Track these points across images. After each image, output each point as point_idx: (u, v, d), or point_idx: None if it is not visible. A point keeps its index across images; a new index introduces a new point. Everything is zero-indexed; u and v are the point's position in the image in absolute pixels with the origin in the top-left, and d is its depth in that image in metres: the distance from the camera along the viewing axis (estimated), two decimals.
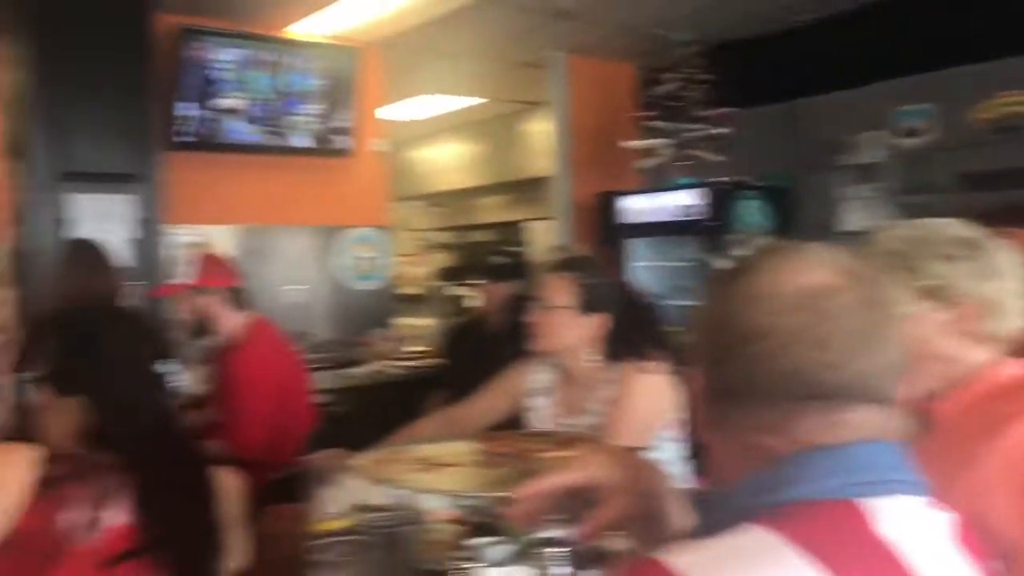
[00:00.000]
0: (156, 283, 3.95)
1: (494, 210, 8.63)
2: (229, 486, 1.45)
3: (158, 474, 1.34)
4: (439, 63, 5.92)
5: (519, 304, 3.34)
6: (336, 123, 5.09)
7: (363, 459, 1.51)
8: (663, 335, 2.07)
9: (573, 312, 1.99)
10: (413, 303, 8.17)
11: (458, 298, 7.59)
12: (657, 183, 5.23)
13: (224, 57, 4.60)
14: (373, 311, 5.34)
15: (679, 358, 2.07)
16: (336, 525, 1.56)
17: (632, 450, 1.12)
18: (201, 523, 1.37)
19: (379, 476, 1.42)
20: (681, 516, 0.95)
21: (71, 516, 1.27)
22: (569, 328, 2.00)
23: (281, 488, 2.23)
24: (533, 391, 2.13)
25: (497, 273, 3.51)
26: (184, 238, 4.64)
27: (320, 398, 3.35)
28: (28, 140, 4.00)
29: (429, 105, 7.11)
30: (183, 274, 2.93)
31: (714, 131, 5.02)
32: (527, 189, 7.65)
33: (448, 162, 8.48)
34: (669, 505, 0.96)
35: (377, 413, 3.52)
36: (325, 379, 3.93)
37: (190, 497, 1.38)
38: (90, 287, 2.70)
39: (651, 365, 1.99)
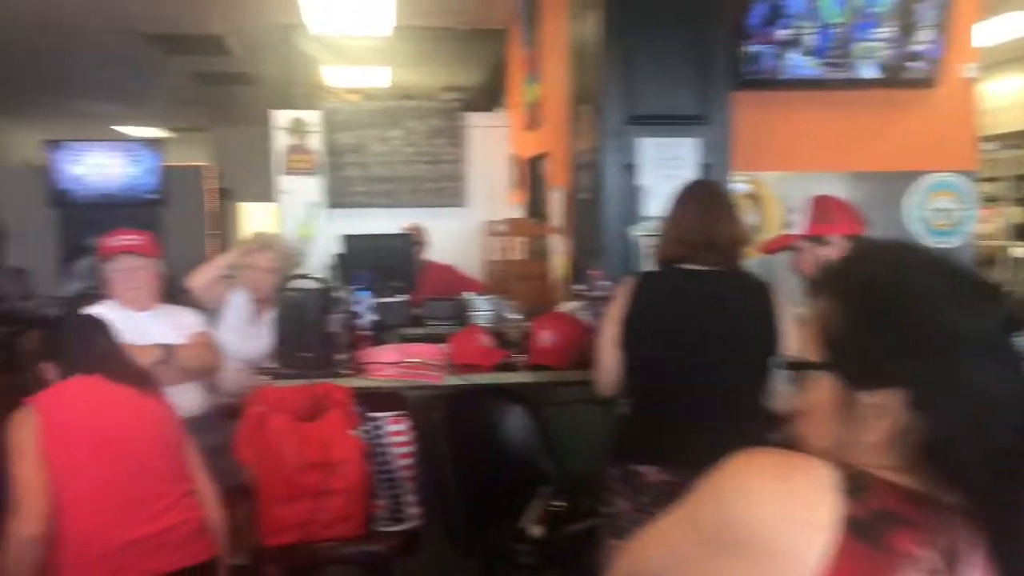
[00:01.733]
0: None
1: None
2: None
3: None
4: None
5: None
6: (914, 47, 4.27)
7: None
8: None
9: None
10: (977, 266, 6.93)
11: None
12: None
13: None
14: None
15: None
16: None
17: None
18: None
19: None
20: None
21: None
22: None
23: None
24: None
25: None
26: (737, 185, 4.28)
27: None
28: (598, 87, 3.95)
29: (1005, 28, 5.82)
30: (796, 223, 2.49)
31: None
32: None
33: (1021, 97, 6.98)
34: None
35: None
36: None
37: None
38: (709, 233, 2.37)
39: None
